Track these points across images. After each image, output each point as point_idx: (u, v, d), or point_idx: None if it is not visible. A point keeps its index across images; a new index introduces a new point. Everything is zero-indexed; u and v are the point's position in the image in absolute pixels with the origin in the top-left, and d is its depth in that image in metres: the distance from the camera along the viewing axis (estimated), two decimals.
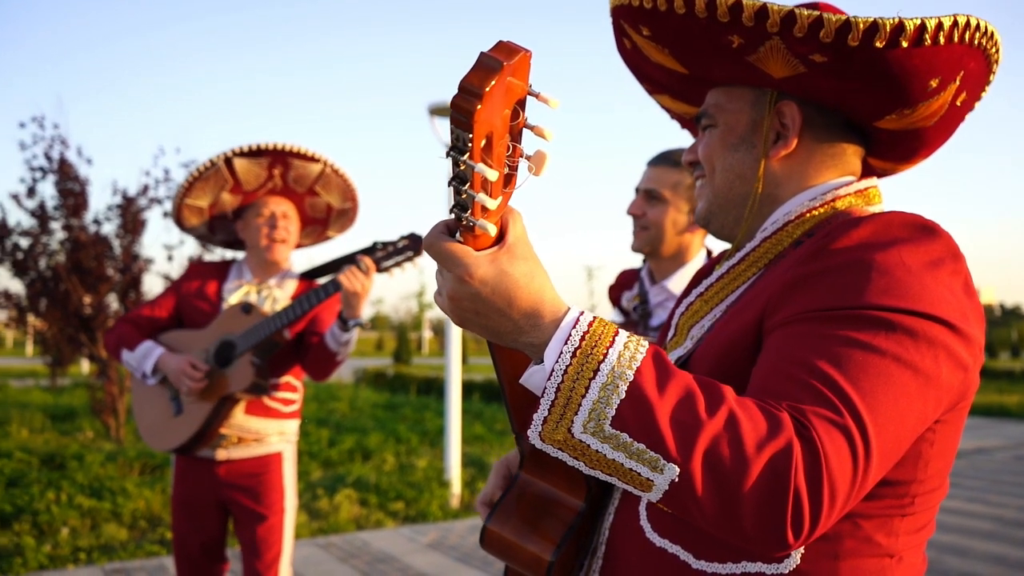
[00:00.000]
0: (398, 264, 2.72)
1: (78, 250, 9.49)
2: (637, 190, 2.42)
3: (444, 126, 10.75)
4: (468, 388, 17.37)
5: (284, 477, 2.97)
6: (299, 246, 3.21)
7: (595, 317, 0.91)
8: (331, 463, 8.78)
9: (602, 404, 0.85)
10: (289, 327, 2.79)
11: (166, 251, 10.20)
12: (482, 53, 0.78)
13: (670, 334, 1.25)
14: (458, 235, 0.90)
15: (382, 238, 2.76)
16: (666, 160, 2.37)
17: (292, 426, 3.03)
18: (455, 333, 8.32)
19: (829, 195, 1.13)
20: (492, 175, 0.80)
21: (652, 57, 1.21)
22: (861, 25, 0.96)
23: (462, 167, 0.79)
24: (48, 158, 9.70)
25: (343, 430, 10.87)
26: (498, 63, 0.76)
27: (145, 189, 9.97)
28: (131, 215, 9.77)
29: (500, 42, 0.80)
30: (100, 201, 22.97)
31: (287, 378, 2.99)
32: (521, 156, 0.88)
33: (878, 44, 0.96)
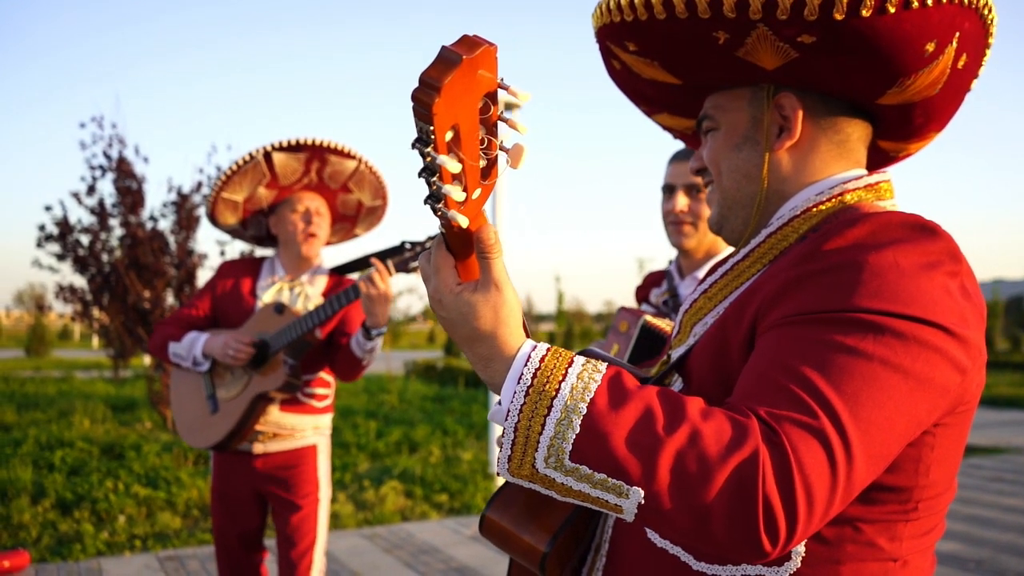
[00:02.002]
0: None
1: (136, 246, 9.76)
2: (671, 188, 2.38)
3: None
4: None
5: (318, 468, 3.03)
6: (328, 243, 3.25)
7: (548, 350, 0.92)
8: (378, 455, 8.91)
9: (559, 440, 0.86)
10: (319, 327, 2.84)
11: (219, 246, 10.44)
12: (443, 47, 0.78)
13: (675, 331, 1.23)
14: (440, 227, 0.91)
15: (410, 237, 2.78)
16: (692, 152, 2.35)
17: (326, 420, 3.08)
18: None
19: (837, 189, 1.09)
20: (454, 167, 0.80)
21: (643, 73, 1.19)
22: None
23: (428, 159, 0.80)
24: (107, 157, 9.99)
25: (391, 422, 11.01)
26: (458, 57, 0.77)
27: (199, 186, 10.21)
28: (186, 211, 10.01)
29: (464, 36, 0.81)
30: (156, 198, 23.68)
31: (319, 374, 3.04)
32: (499, 148, 0.88)
33: (864, 13, 0.93)
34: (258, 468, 2.95)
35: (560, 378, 0.88)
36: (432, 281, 0.94)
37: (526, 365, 0.90)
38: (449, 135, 0.80)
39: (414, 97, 0.76)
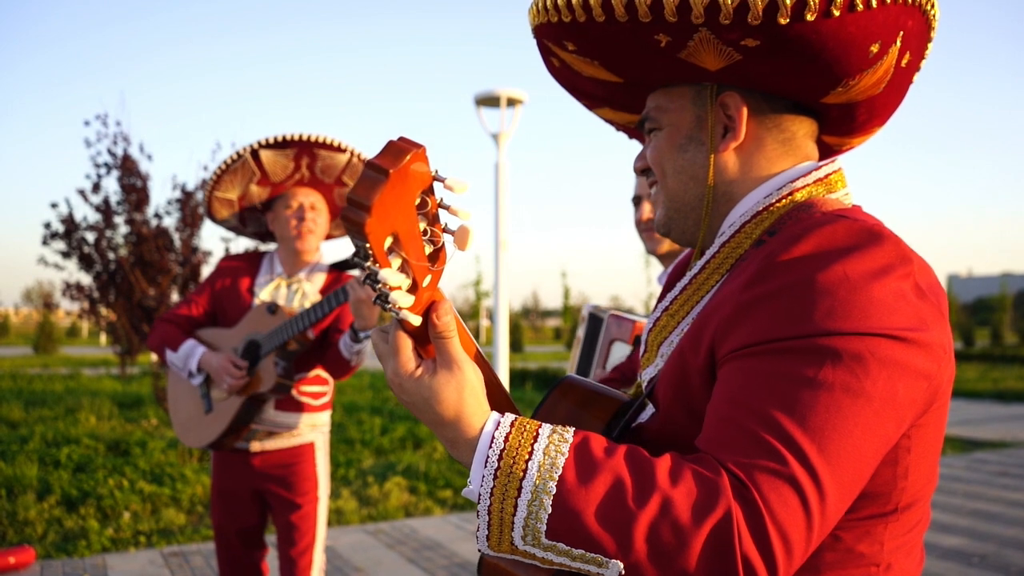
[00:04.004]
0: None
1: (141, 243, 9.80)
2: (640, 199, 2.45)
3: (490, 116, 10.84)
4: (522, 376, 17.42)
5: (317, 466, 3.02)
6: (329, 237, 3.23)
7: (512, 424, 0.92)
8: (383, 451, 8.93)
9: (533, 520, 0.86)
10: (310, 329, 2.84)
11: (223, 243, 10.47)
12: (367, 162, 0.79)
13: (642, 351, 1.20)
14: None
15: None
16: None
17: (324, 417, 3.08)
18: (503, 322, 8.32)
19: (786, 188, 1.06)
20: (395, 280, 0.82)
21: (584, 72, 1.16)
22: (788, 1, 0.90)
23: (369, 271, 0.82)
24: (112, 154, 10.02)
25: (396, 418, 11.04)
26: (384, 173, 0.78)
27: (203, 183, 10.22)
28: (190, 208, 10.04)
29: (389, 143, 0.81)
30: (161, 195, 23.63)
31: (316, 372, 3.02)
32: (444, 232, 0.90)
33: (809, 17, 0.91)
34: (256, 466, 2.95)
35: (526, 456, 0.88)
36: (390, 363, 0.93)
37: (491, 447, 0.90)
38: (389, 241, 0.81)
39: (344, 218, 0.78)
